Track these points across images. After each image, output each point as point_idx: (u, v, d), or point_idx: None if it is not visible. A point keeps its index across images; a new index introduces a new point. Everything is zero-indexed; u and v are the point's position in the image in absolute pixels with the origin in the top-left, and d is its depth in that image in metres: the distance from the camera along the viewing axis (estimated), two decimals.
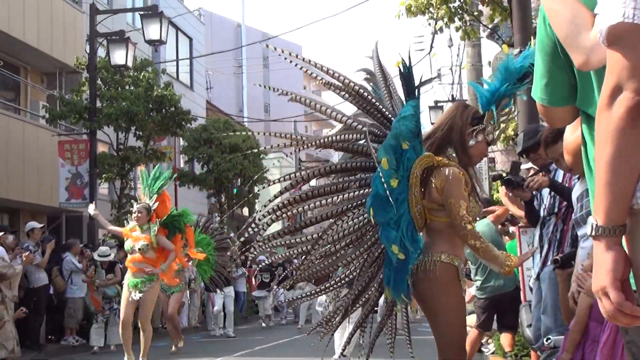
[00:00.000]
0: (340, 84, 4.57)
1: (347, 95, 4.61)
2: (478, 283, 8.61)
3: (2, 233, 12.72)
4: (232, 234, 24.75)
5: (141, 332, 10.41)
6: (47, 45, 20.90)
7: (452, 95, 28.72)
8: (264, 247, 4.65)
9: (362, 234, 4.52)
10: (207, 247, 13.60)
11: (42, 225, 15.81)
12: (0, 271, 11.66)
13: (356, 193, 4.51)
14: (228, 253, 14.80)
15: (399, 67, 4.57)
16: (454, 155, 4.49)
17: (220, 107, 35.06)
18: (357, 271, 4.61)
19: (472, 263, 8.52)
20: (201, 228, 13.80)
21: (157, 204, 10.34)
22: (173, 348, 13.20)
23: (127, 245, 10.27)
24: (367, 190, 4.47)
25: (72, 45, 21.61)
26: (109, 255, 14.61)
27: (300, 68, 4.66)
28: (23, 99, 22.13)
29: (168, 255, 10.36)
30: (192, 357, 12.40)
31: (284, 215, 4.60)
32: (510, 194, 6.09)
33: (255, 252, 4.84)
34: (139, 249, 9.97)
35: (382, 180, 4.27)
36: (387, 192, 4.26)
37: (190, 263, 13.17)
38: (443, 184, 4.28)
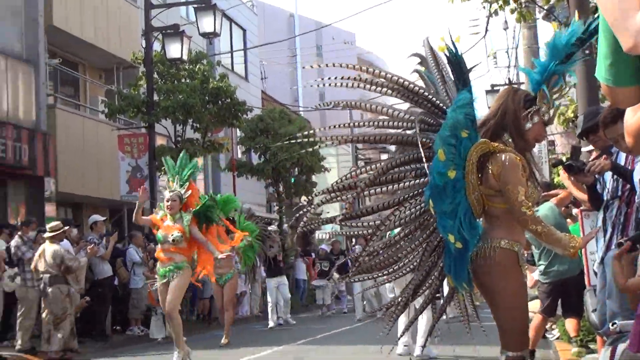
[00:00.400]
0: (386, 81, 4.53)
1: (393, 93, 4.57)
2: (542, 267, 8.47)
3: (66, 227, 12.92)
4: (282, 226, 24.89)
5: (169, 321, 10.16)
6: (104, 42, 21.16)
7: (509, 79, 28.32)
8: (318, 225, 4.74)
9: (421, 223, 4.50)
10: (252, 235, 13.45)
11: (104, 218, 16.05)
12: (67, 264, 11.87)
13: (412, 182, 4.48)
14: (277, 244, 14.88)
15: (445, 53, 4.50)
16: (510, 140, 4.40)
17: (275, 97, 35.13)
18: (418, 260, 4.57)
19: (535, 247, 8.40)
20: (246, 215, 13.71)
21: (189, 192, 10.01)
22: (224, 339, 12.98)
23: (159, 235, 9.89)
24: (423, 179, 4.44)
25: (128, 40, 21.84)
26: None
27: (354, 67, 4.65)
28: (82, 94, 22.47)
29: (199, 245, 10.05)
30: (254, 345, 12.46)
31: (338, 197, 4.61)
32: (572, 179, 5.98)
33: (308, 227, 4.86)
34: (173, 240, 9.64)
35: (438, 171, 4.24)
36: (444, 183, 4.23)
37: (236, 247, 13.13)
38: (500, 170, 4.21)
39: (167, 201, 9.89)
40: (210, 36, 20.01)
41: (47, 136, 18.19)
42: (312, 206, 4.87)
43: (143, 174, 18.97)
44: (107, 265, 14.22)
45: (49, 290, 11.86)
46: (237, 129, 24.94)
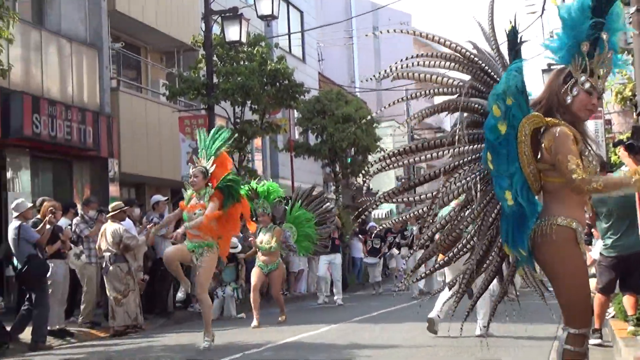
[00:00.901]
0: (450, 51, 4.51)
1: (454, 65, 4.54)
2: (609, 242, 8.33)
3: (127, 207, 13.16)
4: (335, 206, 24.85)
5: (199, 304, 9.99)
6: (165, 25, 21.36)
7: None
8: (380, 202, 4.73)
9: (476, 191, 4.41)
10: (308, 223, 13.26)
11: (166, 198, 16.25)
12: (125, 242, 12.12)
13: (466, 148, 4.43)
14: (333, 223, 14.37)
15: (506, 31, 4.44)
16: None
17: (332, 78, 35.09)
18: (476, 236, 4.52)
19: (604, 221, 8.28)
20: (302, 200, 13.35)
21: (214, 166, 9.62)
22: (281, 317, 12.85)
23: (185, 214, 9.61)
24: (477, 145, 4.40)
25: (188, 24, 22.01)
26: (236, 247, 14.58)
27: (414, 33, 4.61)
28: (144, 77, 22.72)
29: (225, 224, 9.72)
30: (311, 323, 12.53)
31: (393, 164, 4.61)
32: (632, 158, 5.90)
33: (372, 209, 4.87)
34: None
35: (490, 126, 4.20)
36: (496, 138, 4.18)
37: (289, 235, 13.03)
38: (551, 143, 4.15)
39: (190, 177, 9.64)
40: (269, 19, 20.06)
41: (111, 118, 18.49)
42: (370, 176, 4.87)
43: None
44: (168, 243, 14.42)
45: (110, 268, 12.14)
46: (295, 110, 24.99)
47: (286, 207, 12.88)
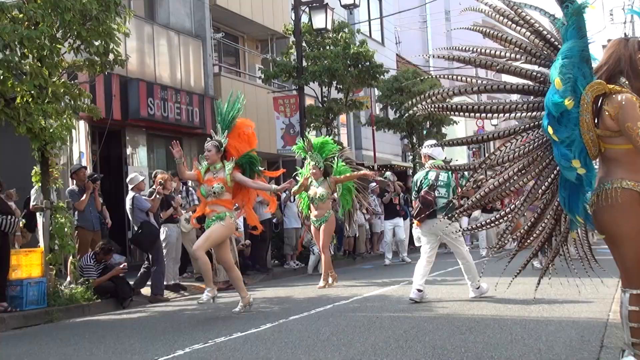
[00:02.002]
0: (522, 22, 4.28)
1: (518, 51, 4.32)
2: None
3: None
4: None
5: (194, 261, 9.19)
6: (259, 16, 21.46)
7: (625, 34, 26.79)
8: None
9: (533, 158, 4.22)
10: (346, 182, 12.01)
11: (263, 168, 16.42)
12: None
13: (525, 114, 4.23)
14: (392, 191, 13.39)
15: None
16: (626, 83, 4.03)
17: (408, 59, 34.69)
18: (529, 199, 4.32)
19: None
20: (343, 159, 12.03)
21: (227, 139, 8.74)
22: (321, 283, 11.42)
23: (202, 189, 8.67)
24: (536, 113, 4.20)
25: (279, 14, 22.06)
26: None
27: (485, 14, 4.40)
28: (242, 63, 22.92)
29: (244, 197, 8.92)
30: (391, 277, 12.51)
31: (453, 113, 4.49)
32: None
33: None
34: (214, 193, 8.48)
35: (555, 101, 3.95)
36: (560, 113, 3.94)
37: (335, 194, 12.08)
38: (617, 111, 3.87)
39: (205, 151, 8.70)
40: (351, 7, 19.98)
41: (214, 100, 18.72)
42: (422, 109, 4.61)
43: (295, 130, 19.25)
44: (265, 208, 14.57)
45: None
46: (375, 89, 24.90)
47: (332, 164, 11.70)
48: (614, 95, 3.92)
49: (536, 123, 4.22)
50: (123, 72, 15.02)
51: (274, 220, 15.57)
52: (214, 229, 8.41)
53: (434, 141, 9.60)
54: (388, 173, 18.71)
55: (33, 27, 9.53)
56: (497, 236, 15.07)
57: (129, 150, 16.11)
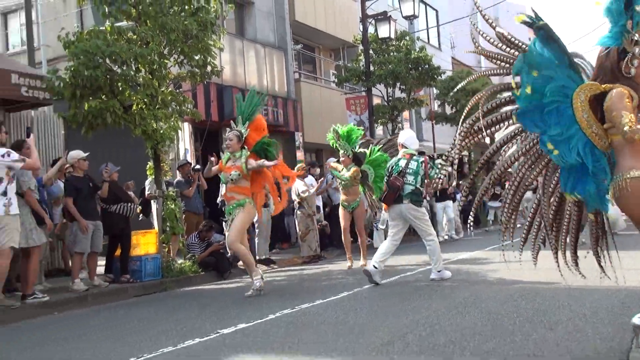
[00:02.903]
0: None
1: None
2: None
3: (311, 167, 13.39)
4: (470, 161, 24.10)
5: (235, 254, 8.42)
6: (332, 29, 21.43)
7: None
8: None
9: (539, 154, 4.08)
10: (384, 164, 10.33)
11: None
12: (301, 195, 12.35)
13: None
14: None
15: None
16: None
17: (463, 61, 34.06)
18: (542, 191, 4.09)
19: None
20: (382, 146, 10.88)
21: (248, 130, 8.18)
22: (362, 261, 10.53)
23: (221, 176, 8.20)
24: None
25: (349, 26, 21.98)
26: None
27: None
28: (318, 70, 22.96)
29: (262, 183, 8.25)
30: (452, 252, 12.35)
31: (469, 142, 4.33)
32: None
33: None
34: (232, 180, 7.95)
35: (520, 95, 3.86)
36: (528, 104, 3.83)
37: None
38: (608, 103, 3.63)
39: (226, 140, 8.24)
40: (411, 18, 19.73)
41: (295, 102, 18.84)
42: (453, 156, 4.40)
43: (365, 125, 19.20)
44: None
45: (298, 212, 12.48)
46: (434, 88, 24.57)
47: (366, 151, 10.63)
48: (609, 92, 3.68)
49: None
50: (219, 81, 15.25)
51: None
52: (238, 218, 7.83)
53: (410, 131, 9.07)
54: (438, 160, 18.38)
55: (145, 46, 9.78)
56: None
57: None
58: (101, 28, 9.94)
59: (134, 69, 9.77)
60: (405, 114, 25.06)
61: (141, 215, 11.54)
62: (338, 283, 8.58)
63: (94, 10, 12.75)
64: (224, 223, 9.85)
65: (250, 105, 8.26)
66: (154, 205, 10.66)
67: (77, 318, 7.35)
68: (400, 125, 20.57)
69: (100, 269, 9.78)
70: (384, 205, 8.72)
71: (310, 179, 13.21)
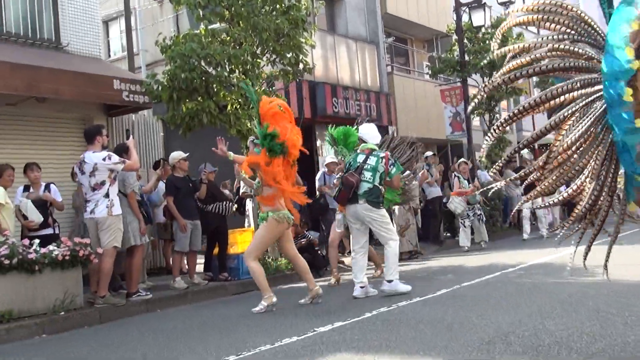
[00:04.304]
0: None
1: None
2: None
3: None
4: None
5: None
6: (425, 19, 21.17)
7: None
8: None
9: (589, 135, 3.45)
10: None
11: (433, 152, 16.22)
12: (404, 188, 12.19)
13: (580, 92, 3.46)
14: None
15: None
16: None
17: None
18: (589, 178, 3.59)
19: None
20: (386, 144, 9.59)
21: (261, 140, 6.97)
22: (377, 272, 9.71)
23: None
24: (589, 89, 3.44)
25: (442, 16, 21.63)
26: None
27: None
28: (411, 62, 22.74)
29: (290, 192, 7.09)
30: (543, 247, 11.89)
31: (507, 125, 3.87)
32: None
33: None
34: (254, 194, 7.12)
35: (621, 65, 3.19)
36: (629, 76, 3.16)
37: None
38: None
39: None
40: (507, 4, 19.19)
41: (388, 96, 18.75)
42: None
43: (461, 117, 18.86)
44: (435, 187, 14.40)
45: (395, 207, 12.35)
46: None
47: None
48: None
49: (586, 101, 3.49)
50: (311, 78, 15.40)
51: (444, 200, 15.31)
52: (257, 233, 7.26)
53: (370, 125, 8.09)
54: (525, 151, 17.73)
55: (238, 47, 10.01)
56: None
57: (318, 143, 16.51)
58: (196, 31, 10.26)
59: (227, 70, 10.02)
60: (503, 103, 24.40)
61: (237, 213, 11.83)
62: (436, 280, 8.48)
63: (189, 14, 13.18)
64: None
65: (254, 104, 7.25)
66: (249, 204, 10.89)
67: (178, 315, 7.63)
68: (497, 115, 20.07)
69: (200, 267, 10.11)
70: (338, 207, 8.11)
71: (406, 174, 12.89)
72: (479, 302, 6.35)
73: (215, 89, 10.02)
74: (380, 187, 7.57)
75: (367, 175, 7.49)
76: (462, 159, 14.10)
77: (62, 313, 7.22)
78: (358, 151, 7.87)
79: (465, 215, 13.25)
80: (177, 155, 9.48)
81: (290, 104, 13.37)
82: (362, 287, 7.46)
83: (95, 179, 7.61)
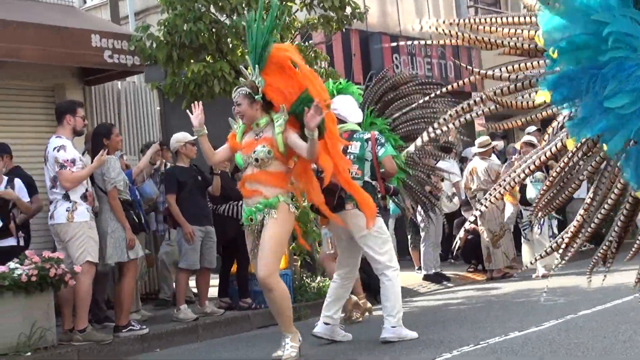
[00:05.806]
0: None
1: None
2: None
3: (494, 142, 13.23)
4: None
5: (265, 294, 6.78)
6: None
7: None
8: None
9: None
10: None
11: (537, 127, 16.06)
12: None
13: None
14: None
15: None
16: None
17: None
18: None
19: None
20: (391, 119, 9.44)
21: (262, 79, 6.64)
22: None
23: (238, 158, 6.73)
24: None
25: None
26: None
27: None
28: (503, 4, 22.52)
29: (305, 168, 6.71)
30: None
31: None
32: None
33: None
34: (257, 160, 6.45)
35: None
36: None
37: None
38: None
39: (234, 105, 6.71)
40: None
41: (471, 51, 18.58)
42: None
43: None
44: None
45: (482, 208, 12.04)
46: None
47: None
48: None
49: None
50: (363, 27, 15.35)
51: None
52: (268, 233, 6.42)
53: (346, 97, 7.62)
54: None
55: None
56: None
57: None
58: None
59: (247, 18, 10.05)
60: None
61: None
62: (541, 307, 8.42)
63: None
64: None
65: (263, 34, 6.67)
66: None
67: (184, 356, 7.72)
68: None
69: (213, 291, 10.19)
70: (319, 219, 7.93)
71: (493, 157, 12.72)
72: (604, 338, 6.30)
73: (230, 45, 10.07)
74: (374, 182, 7.26)
75: (352, 169, 7.01)
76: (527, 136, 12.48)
77: (28, 354, 7.30)
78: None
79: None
80: (181, 137, 9.44)
81: (334, 63, 13.37)
82: (326, 324, 7.24)
83: (51, 173, 7.74)
